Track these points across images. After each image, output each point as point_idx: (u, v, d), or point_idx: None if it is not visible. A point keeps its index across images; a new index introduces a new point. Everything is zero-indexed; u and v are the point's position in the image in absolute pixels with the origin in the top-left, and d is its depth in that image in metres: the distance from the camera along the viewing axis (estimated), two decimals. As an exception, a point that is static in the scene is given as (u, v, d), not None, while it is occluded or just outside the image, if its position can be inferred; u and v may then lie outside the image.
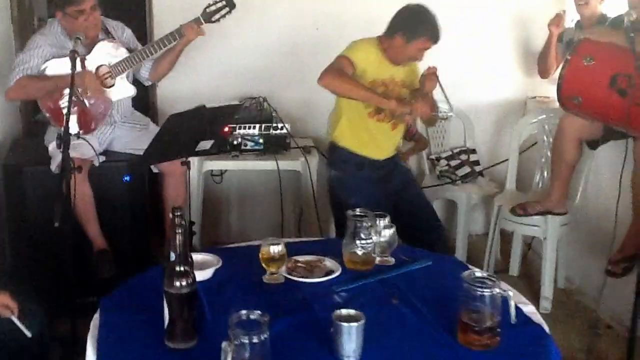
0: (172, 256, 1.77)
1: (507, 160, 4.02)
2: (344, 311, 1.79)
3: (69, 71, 2.72)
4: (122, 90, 3.39)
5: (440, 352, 1.81)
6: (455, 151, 4.30)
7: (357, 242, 2.28)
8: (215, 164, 3.85)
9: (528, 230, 3.71)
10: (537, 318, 2.00)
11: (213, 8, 3.32)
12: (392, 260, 2.38)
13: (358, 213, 2.33)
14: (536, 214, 3.57)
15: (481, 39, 4.36)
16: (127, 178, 3.39)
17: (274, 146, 3.81)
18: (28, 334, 2.26)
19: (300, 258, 2.33)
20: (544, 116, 3.91)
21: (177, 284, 1.76)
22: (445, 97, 3.09)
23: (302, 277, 2.23)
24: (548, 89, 4.40)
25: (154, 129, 3.41)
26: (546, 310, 3.50)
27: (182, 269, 1.77)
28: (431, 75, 3.06)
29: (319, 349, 1.79)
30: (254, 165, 3.82)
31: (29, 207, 3.27)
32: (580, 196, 3.69)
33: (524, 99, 4.47)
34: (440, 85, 3.09)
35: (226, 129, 3.69)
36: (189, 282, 1.77)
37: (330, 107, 4.15)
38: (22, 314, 2.27)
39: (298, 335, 1.87)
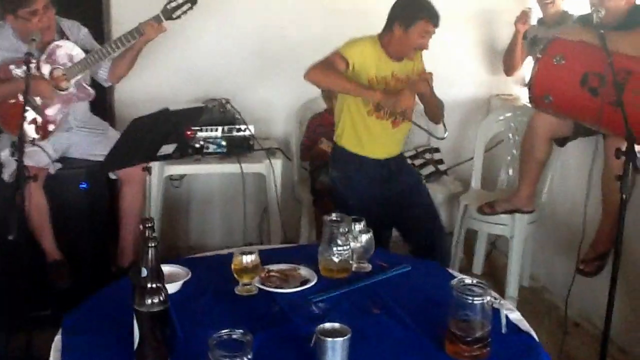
0: (144, 271, 1.65)
1: (471, 159, 3.98)
2: (327, 325, 1.70)
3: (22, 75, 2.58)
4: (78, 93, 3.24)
5: (428, 364, 1.73)
6: (419, 150, 4.25)
7: (334, 248, 2.19)
8: (177, 169, 3.68)
9: (495, 229, 3.67)
10: (525, 325, 1.93)
11: (174, 4, 3.19)
12: (368, 267, 2.29)
13: (334, 218, 2.23)
14: (504, 213, 3.54)
15: (444, 36, 4.28)
16: (84, 185, 3.25)
17: (237, 148, 3.68)
18: None
19: (274, 267, 2.23)
20: (511, 114, 3.89)
21: (149, 301, 1.64)
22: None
23: (277, 287, 2.13)
24: (511, 87, 4.41)
25: (113, 135, 3.29)
26: (512, 309, 3.46)
27: (154, 285, 1.65)
28: (424, 80, 2.95)
29: (302, 365, 1.69)
30: (216, 168, 3.69)
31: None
32: (547, 193, 3.68)
33: (488, 97, 4.45)
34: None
35: (189, 132, 3.55)
36: (162, 299, 1.65)
37: (295, 107, 4.11)
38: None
39: (279, 351, 1.77)
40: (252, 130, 3.71)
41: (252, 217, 4.08)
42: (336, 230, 2.19)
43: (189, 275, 2.13)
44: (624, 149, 2.49)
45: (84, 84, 3.27)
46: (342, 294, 2.10)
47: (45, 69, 3.15)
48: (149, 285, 1.65)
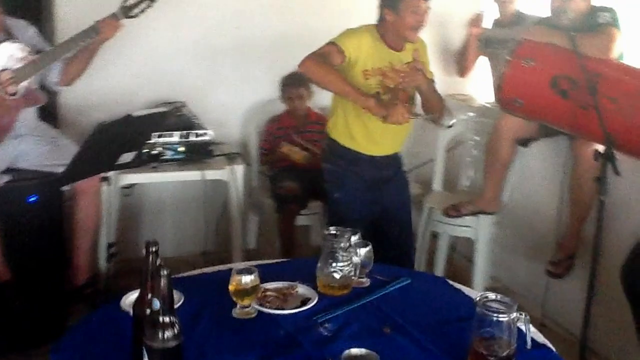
0: (156, 303, 1.48)
1: (430, 160, 3.94)
2: (354, 350, 1.59)
3: None
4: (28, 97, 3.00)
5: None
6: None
7: (335, 264, 2.07)
8: (133, 177, 3.43)
9: (459, 232, 3.64)
10: (540, 337, 1.88)
11: (132, 1, 2.99)
12: (367, 282, 2.18)
13: (333, 232, 2.11)
14: (469, 215, 3.51)
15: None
16: (34, 199, 2.98)
17: (196, 154, 3.49)
18: None
19: (270, 286, 2.09)
20: (471, 115, 3.87)
21: (163, 336, 1.47)
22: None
23: (278, 308, 1.99)
24: (466, 87, 4.41)
25: (64, 143, 3.08)
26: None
27: (167, 319, 1.49)
28: (416, 71, 2.80)
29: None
30: (176, 176, 3.49)
31: None
32: (509, 194, 3.68)
33: (443, 97, 4.41)
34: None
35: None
36: (176, 333, 1.49)
37: (252, 109, 3.96)
38: None
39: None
40: (211, 135, 3.53)
41: (208, 224, 3.88)
42: (337, 244, 2.07)
43: (182, 300, 1.96)
44: (599, 151, 2.52)
45: (34, 88, 3.01)
46: (347, 312, 1.98)
47: None
48: (162, 319, 1.48)
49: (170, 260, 3.91)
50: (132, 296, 1.95)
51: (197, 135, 3.49)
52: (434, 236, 3.91)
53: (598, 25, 2.94)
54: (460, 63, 4.17)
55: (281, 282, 2.12)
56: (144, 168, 3.38)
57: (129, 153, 2.79)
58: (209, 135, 3.51)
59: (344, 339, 1.80)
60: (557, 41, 2.88)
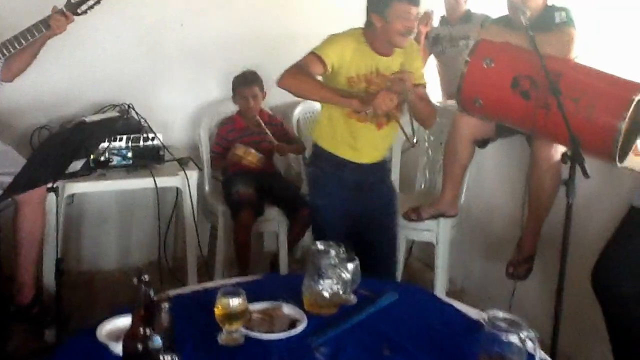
0: (157, 342, 1.33)
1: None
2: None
3: None
4: None
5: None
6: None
7: (322, 282, 1.95)
8: (80, 186, 3.19)
9: (420, 235, 3.58)
10: (542, 354, 1.83)
11: None
12: (354, 299, 2.07)
13: (321, 248, 2.00)
14: (429, 218, 3.46)
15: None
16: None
17: (146, 160, 3.30)
18: None
19: (254, 307, 1.95)
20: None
21: (165, 378, 1.33)
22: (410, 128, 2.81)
23: (267, 331, 1.86)
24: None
25: (3, 149, 2.82)
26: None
27: (169, 357, 1.34)
28: (398, 79, 2.67)
29: None
30: (125, 184, 3.28)
31: None
32: (465, 195, 3.67)
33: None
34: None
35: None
36: (180, 374, 1.35)
37: (201, 111, 3.78)
38: None
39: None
40: (161, 139, 3.34)
41: (157, 233, 3.68)
42: (325, 261, 1.95)
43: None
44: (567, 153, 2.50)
45: None
46: (341, 333, 1.88)
47: None
48: (163, 358, 1.33)
49: (115, 272, 3.75)
50: (107, 325, 1.79)
51: (145, 139, 3.30)
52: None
53: (555, 24, 2.93)
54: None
55: (265, 302, 1.99)
56: (92, 176, 3.16)
57: (79, 161, 2.60)
58: (158, 139, 3.32)
59: (343, 364, 1.70)
60: (515, 41, 2.86)
